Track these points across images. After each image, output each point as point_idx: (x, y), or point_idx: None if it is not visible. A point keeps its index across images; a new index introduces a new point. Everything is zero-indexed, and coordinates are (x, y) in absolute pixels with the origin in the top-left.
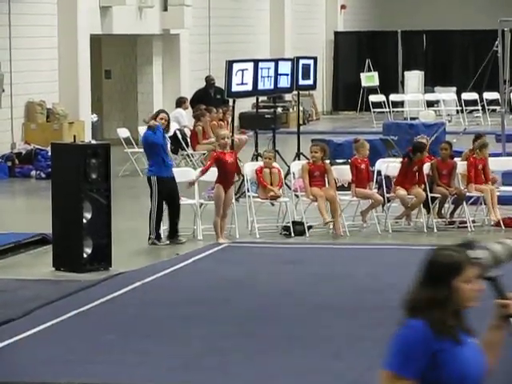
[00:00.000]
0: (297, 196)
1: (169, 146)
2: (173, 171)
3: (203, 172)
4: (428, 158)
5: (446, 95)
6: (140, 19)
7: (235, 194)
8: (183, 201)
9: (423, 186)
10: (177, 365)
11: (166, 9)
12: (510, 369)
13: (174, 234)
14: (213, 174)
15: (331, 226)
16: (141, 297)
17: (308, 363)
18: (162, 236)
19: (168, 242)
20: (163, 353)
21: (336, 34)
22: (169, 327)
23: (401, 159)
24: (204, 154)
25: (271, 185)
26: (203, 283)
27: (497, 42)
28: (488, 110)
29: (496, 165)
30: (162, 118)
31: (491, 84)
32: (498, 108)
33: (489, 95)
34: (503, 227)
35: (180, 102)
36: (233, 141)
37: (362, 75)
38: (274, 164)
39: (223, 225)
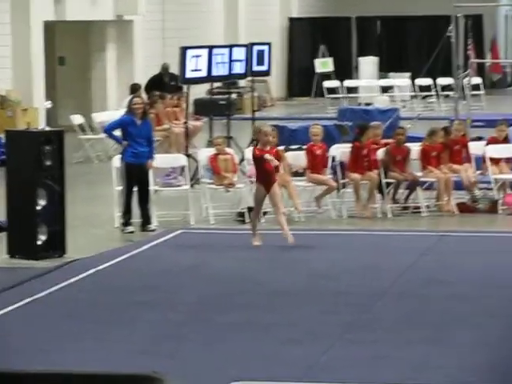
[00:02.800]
0: (251, 182)
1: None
2: (146, 157)
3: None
4: (382, 144)
5: (400, 81)
6: (93, 5)
7: (190, 181)
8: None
9: (376, 170)
10: (134, 351)
11: None
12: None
13: (145, 221)
14: (168, 160)
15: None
16: (96, 283)
17: (264, 349)
18: (131, 222)
19: (132, 229)
20: (120, 339)
21: (290, 19)
22: (124, 313)
23: (352, 144)
24: (158, 140)
25: (225, 171)
26: (158, 269)
27: (450, 28)
28: (442, 95)
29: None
30: (135, 104)
31: (445, 69)
32: (451, 93)
33: (442, 81)
34: (456, 212)
35: (134, 89)
36: (187, 127)
37: (317, 61)
38: (228, 150)
39: (281, 222)
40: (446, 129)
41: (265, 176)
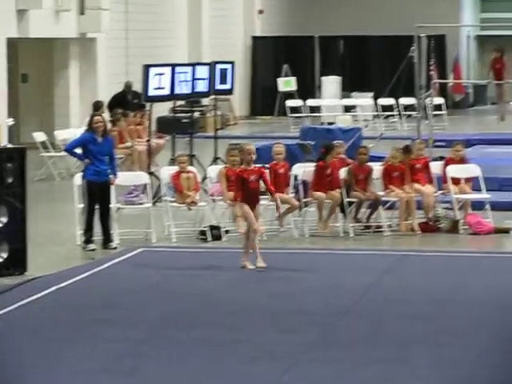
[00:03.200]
0: (214, 200)
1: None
2: (107, 175)
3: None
4: (342, 162)
5: (363, 100)
6: (57, 23)
7: (152, 199)
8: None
9: (338, 189)
10: (95, 368)
11: (82, 12)
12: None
13: (106, 239)
14: (131, 178)
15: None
16: (57, 301)
17: (225, 367)
18: (93, 240)
19: (93, 247)
20: (81, 357)
21: (253, 38)
22: (86, 331)
23: (315, 163)
24: (120, 158)
25: (188, 189)
26: (119, 287)
27: (413, 48)
28: (404, 115)
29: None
30: (96, 122)
31: (407, 89)
32: (414, 113)
33: (405, 101)
34: (418, 232)
35: (97, 106)
36: (150, 145)
37: (280, 80)
38: (190, 168)
39: (256, 243)
40: (408, 147)
41: (249, 196)
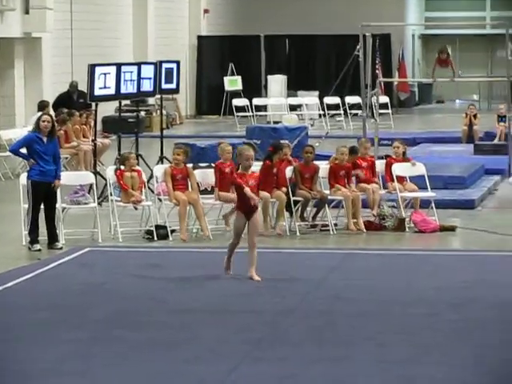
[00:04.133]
0: (160, 200)
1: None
2: (52, 175)
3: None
4: (288, 162)
5: (309, 99)
6: (1, 22)
7: (98, 198)
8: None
9: (285, 188)
10: (39, 370)
11: (27, 12)
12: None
13: (52, 239)
14: (76, 177)
15: (185, 239)
16: (2, 302)
17: (171, 367)
18: (39, 240)
19: (39, 247)
20: (25, 358)
21: (199, 37)
22: (31, 332)
23: (262, 162)
24: (66, 157)
25: (132, 188)
26: (65, 288)
27: (358, 47)
28: (350, 114)
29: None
30: (44, 121)
31: (353, 88)
32: (359, 112)
33: (351, 99)
34: (364, 231)
35: (42, 106)
36: (95, 144)
37: (226, 79)
38: (137, 168)
39: (252, 257)
40: (354, 148)
41: (246, 203)
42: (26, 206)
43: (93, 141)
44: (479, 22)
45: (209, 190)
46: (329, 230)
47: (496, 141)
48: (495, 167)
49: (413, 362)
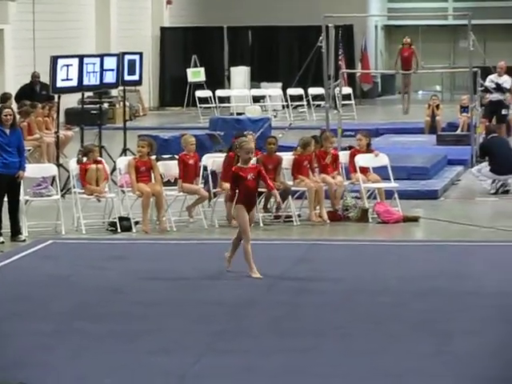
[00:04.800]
0: (123, 192)
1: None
2: (16, 167)
3: (231, 199)
4: (254, 153)
5: (272, 91)
6: None
7: (61, 191)
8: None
9: None
10: (5, 362)
11: None
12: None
13: (15, 231)
14: (39, 170)
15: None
16: None
17: (134, 359)
18: (1, 233)
19: (2, 239)
20: None
21: (162, 29)
22: None
23: (226, 153)
24: (29, 150)
25: (97, 180)
26: (28, 280)
27: (321, 38)
28: (313, 105)
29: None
30: (6, 115)
31: (316, 79)
32: (322, 103)
33: (314, 90)
34: (327, 221)
35: (4, 98)
36: (58, 136)
37: (189, 71)
38: (100, 159)
39: (249, 250)
40: (317, 138)
41: (246, 196)
42: None
43: (55, 133)
44: (442, 13)
45: (172, 181)
46: (292, 221)
47: (459, 131)
48: (458, 158)
49: (380, 352)
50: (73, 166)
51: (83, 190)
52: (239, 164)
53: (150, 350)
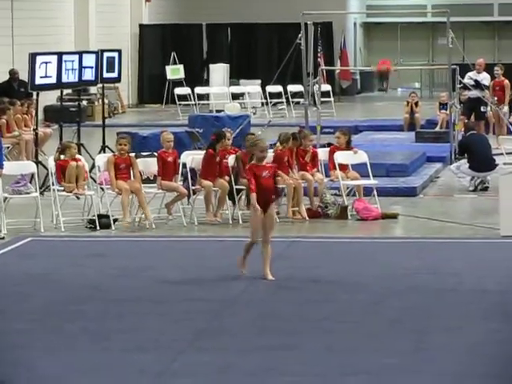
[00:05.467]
0: (102, 189)
1: None
2: None
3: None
4: (233, 151)
5: (251, 88)
6: None
7: (40, 188)
8: None
9: (227, 177)
10: None
11: None
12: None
13: None
14: (18, 167)
15: (129, 225)
16: None
17: (111, 357)
18: None
19: None
20: None
21: (141, 26)
22: None
23: (205, 151)
24: (8, 147)
25: (77, 177)
26: (7, 278)
27: (300, 35)
28: (292, 102)
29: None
30: None
31: (295, 77)
32: (301, 100)
33: (293, 88)
34: (306, 219)
35: None
36: (37, 134)
37: (168, 68)
38: (79, 157)
39: (267, 254)
40: (295, 136)
41: (261, 194)
42: None
43: (34, 130)
44: (421, 10)
45: (151, 178)
46: None
47: (437, 128)
48: (437, 155)
49: (359, 349)
50: (51, 164)
51: (62, 188)
52: (254, 162)
53: (128, 348)
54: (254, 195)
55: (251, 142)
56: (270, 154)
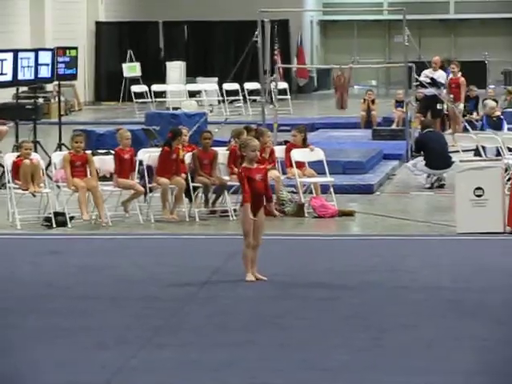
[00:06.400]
0: (58, 187)
1: None
2: None
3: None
4: (189, 148)
5: (208, 85)
6: None
7: None
8: None
9: (184, 175)
10: None
11: None
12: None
13: None
14: None
15: (88, 218)
16: None
17: (72, 354)
18: None
19: None
20: None
21: (97, 24)
22: None
23: (161, 148)
24: None
25: (33, 176)
26: None
27: (256, 33)
28: (249, 100)
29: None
30: None
31: (252, 74)
32: (258, 98)
33: (250, 85)
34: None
35: None
36: None
37: (124, 66)
38: (35, 155)
39: (254, 257)
40: (248, 128)
41: (254, 198)
42: None
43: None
44: (377, 8)
45: (108, 176)
46: (228, 216)
47: (394, 126)
48: (393, 152)
49: (314, 346)
50: (7, 161)
51: (18, 185)
52: (245, 164)
53: (88, 346)
54: (247, 206)
55: (242, 142)
56: (225, 151)
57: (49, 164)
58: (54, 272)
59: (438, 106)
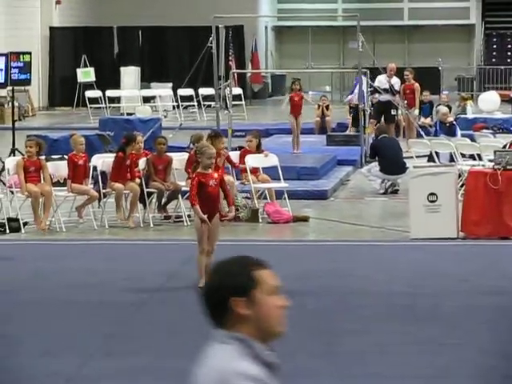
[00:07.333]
0: (12, 192)
1: None
2: None
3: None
4: (144, 154)
5: (162, 91)
6: None
7: None
8: None
9: (138, 180)
10: None
11: None
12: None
13: None
14: None
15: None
16: None
17: (20, 361)
18: None
19: None
20: None
21: (51, 29)
22: None
23: (115, 154)
24: None
25: None
26: None
27: (211, 38)
28: (204, 105)
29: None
30: None
31: (206, 80)
32: (213, 103)
33: (204, 91)
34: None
35: None
36: None
37: (79, 71)
38: None
39: (209, 263)
40: (214, 134)
41: (207, 203)
42: None
43: None
44: (331, 14)
45: (61, 181)
46: (183, 222)
47: (348, 132)
48: (347, 158)
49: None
50: None
51: None
52: (199, 170)
53: (37, 353)
54: (197, 208)
55: (199, 148)
56: (180, 157)
57: (2, 169)
58: (5, 278)
59: (392, 112)
